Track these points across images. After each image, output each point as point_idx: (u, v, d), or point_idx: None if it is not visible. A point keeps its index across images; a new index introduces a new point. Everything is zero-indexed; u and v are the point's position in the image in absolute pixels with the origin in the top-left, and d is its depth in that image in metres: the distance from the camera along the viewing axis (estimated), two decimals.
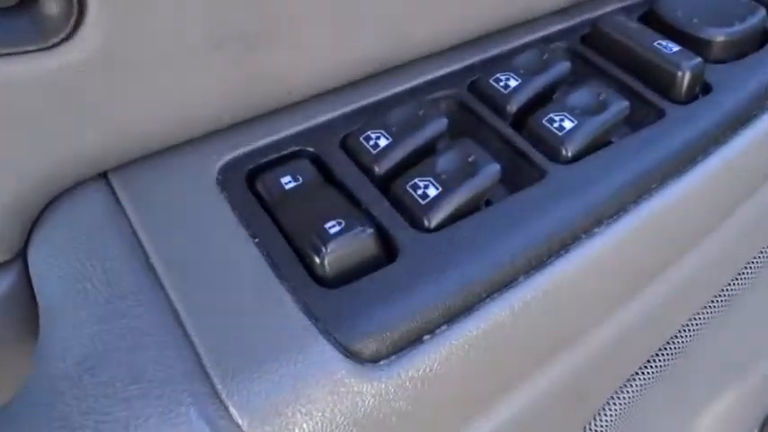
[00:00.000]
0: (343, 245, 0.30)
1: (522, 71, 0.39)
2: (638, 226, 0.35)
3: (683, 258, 0.40)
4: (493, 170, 0.33)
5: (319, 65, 0.37)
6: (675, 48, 0.40)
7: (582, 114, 0.37)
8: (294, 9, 0.34)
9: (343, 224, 0.31)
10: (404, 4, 0.37)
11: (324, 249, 0.30)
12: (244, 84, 0.35)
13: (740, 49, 0.43)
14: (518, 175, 0.36)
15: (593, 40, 0.43)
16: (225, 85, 0.34)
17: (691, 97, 0.40)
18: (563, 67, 0.39)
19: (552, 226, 0.33)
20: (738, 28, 0.42)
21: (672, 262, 0.40)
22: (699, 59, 0.39)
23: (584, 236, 0.34)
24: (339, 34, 0.36)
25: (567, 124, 0.36)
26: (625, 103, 0.37)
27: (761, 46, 0.44)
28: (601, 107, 0.37)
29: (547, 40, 0.44)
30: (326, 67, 0.37)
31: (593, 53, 0.42)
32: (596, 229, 0.34)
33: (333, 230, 0.30)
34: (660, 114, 0.39)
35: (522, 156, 0.36)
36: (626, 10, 0.46)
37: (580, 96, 0.38)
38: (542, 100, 0.39)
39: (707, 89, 0.40)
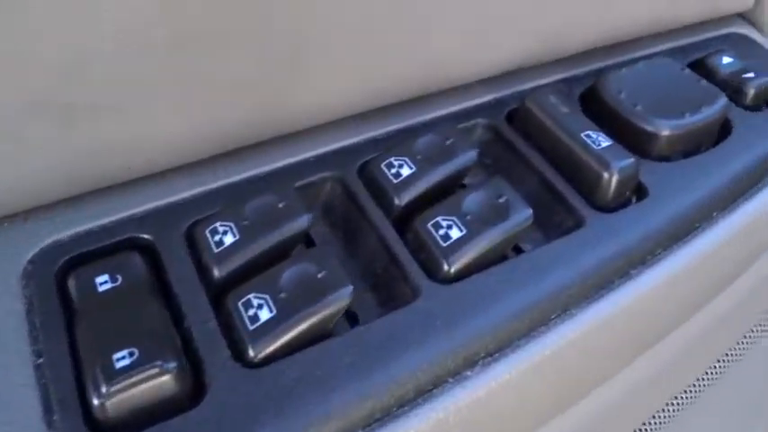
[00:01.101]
0: (129, 384, 0.24)
1: (419, 157, 0.33)
2: (526, 368, 0.29)
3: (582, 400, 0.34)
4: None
5: (166, 138, 0.31)
6: (605, 142, 0.34)
7: (475, 222, 0.30)
8: (125, 76, 0.28)
9: (135, 355, 0.25)
10: (262, 89, 0.31)
11: (104, 389, 0.24)
12: (72, 157, 0.29)
13: (691, 145, 0.36)
14: (388, 292, 0.30)
15: (519, 120, 0.37)
16: (48, 156, 0.29)
17: (619, 203, 0.33)
18: (467, 156, 0.33)
19: (409, 365, 0.27)
20: (689, 120, 0.35)
21: (569, 405, 0.33)
22: (631, 160, 0.33)
23: (450, 380, 0.28)
24: (187, 109, 0.31)
25: (455, 233, 0.30)
26: (528, 213, 0.31)
27: (719, 140, 0.37)
28: (499, 214, 0.31)
29: (468, 113, 0.37)
30: (175, 141, 0.31)
31: (517, 135, 0.36)
32: (469, 372, 0.28)
33: (120, 364, 0.25)
34: (579, 222, 0.32)
35: (398, 266, 0.30)
36: (568, 83, 0.40)
37: (477, 198, 0.31)
38: (439, 194, 0.33)
39: (643, 193, 0.34)
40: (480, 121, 0.37)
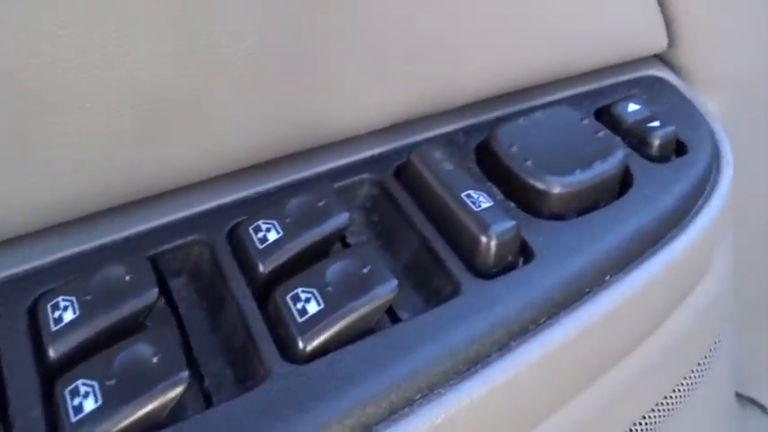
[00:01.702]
0: None
1: (288, 220, 0.31)
2: None
3: None
4: None
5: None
6: (486, 203, 0.32)
7: (335, 294, 0.28)
8: None
9: None
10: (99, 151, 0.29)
11: None
12: None
13: (586, 202, 0.34)
14: (246, 370, 0.28)
15: (406, 175, 0.35)
16: None
17: (503, 267, 0.31)
18: (339, 219, 0.31)
19: None
20: (581, 177, 0.34)
21: None
22: (511, 223, 0.31)
23: None
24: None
25: (312, 307, 0.28)
26: (391, 285, 0.29)
27: (619, 194, 0.35)
28: (361, 286, 0.29)
29: (355, 167, 0.35)
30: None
31: (403, 192, 0.34)
32: None
33: None
34: (456, 290, 0.30)
35: (253, 343, 0.28)
36: (467, 132, 0.38)
37: (341, 267, 0.29)
38: (309, 260, 0.31)
39: (529, 256, 0.32)
40: (367, 176, 0.35)
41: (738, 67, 0.44)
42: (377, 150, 0.36)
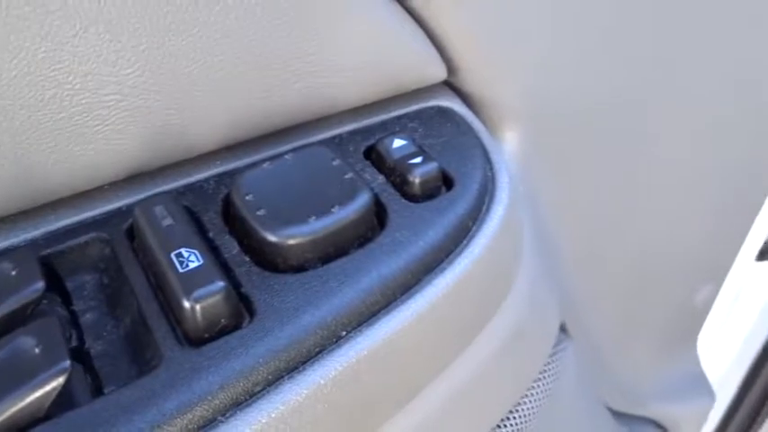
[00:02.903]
0: None
1: None
2: None
3: None
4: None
5: None
6: (195, 262, 0.29)
7: (7, 373, 0.25)
8: None
9: None
10: None
11: None
12: None
13: (330, 251, 0.32)
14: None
15: (133, 233, 0.32)
16: None
17: (214, 334, 0.29)
18: (31, 290, 0.28)
19: None
20: (317, 225, 0.31)
21: None
22: (219, 284, 0.28)
23: None
24: None
25: None
26: (62, 365, 0.26)
27: (365, 242, 0.33)
28: (27, 368, 0.26)
29: (86, 225, 0.32)
30: None
31: (129, 252, 0.31)
32: None
33: None
34: (159, 361, 0.28)
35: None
36: (217, 181, 0.35)
37: (20, 344, 0.26)
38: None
39: (253, 315, 0.29)
40: (96, 235, 0.32)
41: (534, 94, 0.42)
42: (114, 205, 0.34)
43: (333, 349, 0.30)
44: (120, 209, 0.33)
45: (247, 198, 0.32)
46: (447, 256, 0.33)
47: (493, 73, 0.40)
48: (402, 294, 0.32)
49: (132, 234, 0.32)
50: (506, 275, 0.38)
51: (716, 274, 0.76)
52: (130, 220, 0.33)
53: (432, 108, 0.40)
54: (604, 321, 0.65)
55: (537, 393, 0.45)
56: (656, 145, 0.55)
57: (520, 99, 0.42)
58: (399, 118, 0.39)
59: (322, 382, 0.29)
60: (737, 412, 1.03)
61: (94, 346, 0.29)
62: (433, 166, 0.35)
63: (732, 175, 0.66)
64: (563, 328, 0.53)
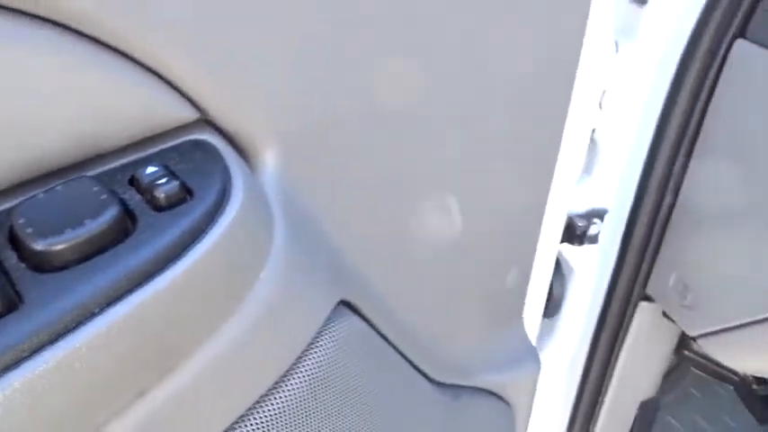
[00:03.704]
0: None
1: None
2: None
3: None
4: None
5: None
6: None
7: None
8: None
9: None
10: None
11: None
12: None
13: (82, 255, 0.42)
14: None
15: None
16: None
17: None
18: None
19: None
20: (70, 236, 0.42)
21: None
22: None
23: None
24: None
25: None
26: None
27: (117, 243, 0.43)
28: None
29: None
30: None
31: None
32: None
33: None
34: None
35: None
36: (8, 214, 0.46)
37: None
38: None
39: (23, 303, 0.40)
40: None
41: (281, 120, 0.54)
42: None
43: (86, 322, 0.40)
44: None
45: (20, 221, 0.42)
46: (185, 248, 0.45)
47: (238, 109, 0.52)
48: (146, 279, 0.43)
49: None
50: (248, 263, 0.49)
51: (520, 257, 0.89)
52: None
53: (189, 141, 0.52)
54: (417, 304, 0.77)
55: (307, 367, 0.56)
56: (424, 146, 0.67)
57: (268, 127, 0.54)
58: (163, 151, 0.51)
59: (78, 345, 0.39)
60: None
61: None
62: (175, 183, 0.46)
63: (512, 165, 0.79)
64: (352, 308, 0.64)
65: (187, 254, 0.44)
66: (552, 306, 1.19)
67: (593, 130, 1.06)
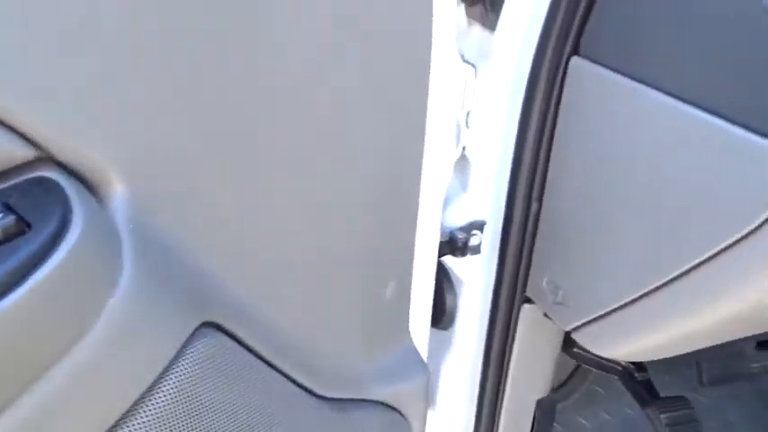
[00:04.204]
0: None
1: None
2: None
3: None
4: None
5: None
6: None
7: None
8: None
9: None
10: None
11: None
12: None
13: None
14: None
15: None
16: None
17: None
18: None
19: None
20: None
21: None
22: None
23: None
24: None
25: None
26: None
27: None
28: None
29: None
30: None
31: None
32: None
33: None
34: None
35: None
36: None
37: None
38: None
39: None
40: None
41: (122, 157, 0.58)
42: None
43: None
44: None
45: None
46: (23, 277, 0.47)
47: (80, 147, 0.56)
48: None
49: None
50: (94, 289, 0.52)
51: (398, 271, 0.94)
52: None
53: (31, 179, 0.54)
54: (293, 320, 0.81)
55: (170, 384, 0.59)
56: (281, 161, 0.71)
57: (113, 161, 0.58)
58: (10, 187, 0.53)
59: None
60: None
61: None
62: (11, 217, 0.49)
63: (377, 181, 0.84)
64: (220, 328, 0.67)
65: (26, 281, 0.47)
66: (447, 318, 1.24)
67: (464, 148, 1.14)
